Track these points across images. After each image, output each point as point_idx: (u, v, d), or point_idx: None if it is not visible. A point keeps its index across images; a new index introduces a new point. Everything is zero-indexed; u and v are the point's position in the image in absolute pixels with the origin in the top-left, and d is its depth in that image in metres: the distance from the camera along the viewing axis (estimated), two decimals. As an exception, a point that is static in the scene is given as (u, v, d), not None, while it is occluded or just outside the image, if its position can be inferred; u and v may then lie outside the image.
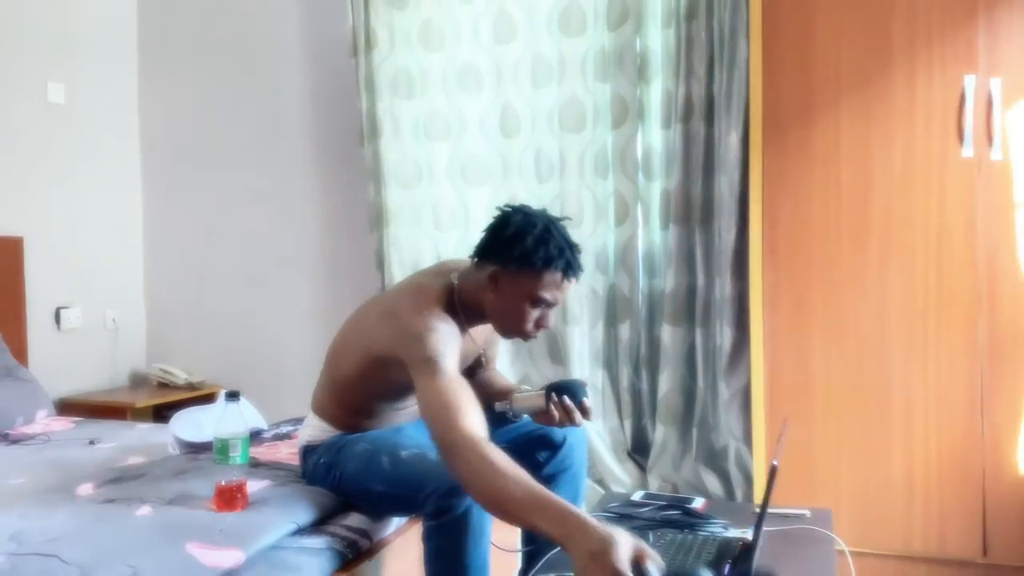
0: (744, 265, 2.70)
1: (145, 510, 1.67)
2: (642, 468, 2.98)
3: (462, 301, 1.71)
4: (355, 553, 1.67)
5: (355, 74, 3.21)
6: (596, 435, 2.99)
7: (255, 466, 1.99)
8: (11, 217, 3.10)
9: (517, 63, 3.04)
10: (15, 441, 2.52)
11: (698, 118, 2.83)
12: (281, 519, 1.63)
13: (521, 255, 1.61)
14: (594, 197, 3.00)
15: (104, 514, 1.65)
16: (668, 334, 2.89)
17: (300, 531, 1.65)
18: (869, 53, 2.38)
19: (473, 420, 1.43)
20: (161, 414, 3.31)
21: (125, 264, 3.63)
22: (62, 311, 3.32)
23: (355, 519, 1.74)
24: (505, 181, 3.09)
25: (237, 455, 1.67)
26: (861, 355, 2.40)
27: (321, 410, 1.86)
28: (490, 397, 1.85)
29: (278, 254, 3.50)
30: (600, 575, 1.15)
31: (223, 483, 1.68)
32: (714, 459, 2.86)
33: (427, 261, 3.11)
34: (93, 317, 3.46)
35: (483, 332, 1.88)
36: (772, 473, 1.35)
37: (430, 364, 1.51)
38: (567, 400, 1.74)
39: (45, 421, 2.80)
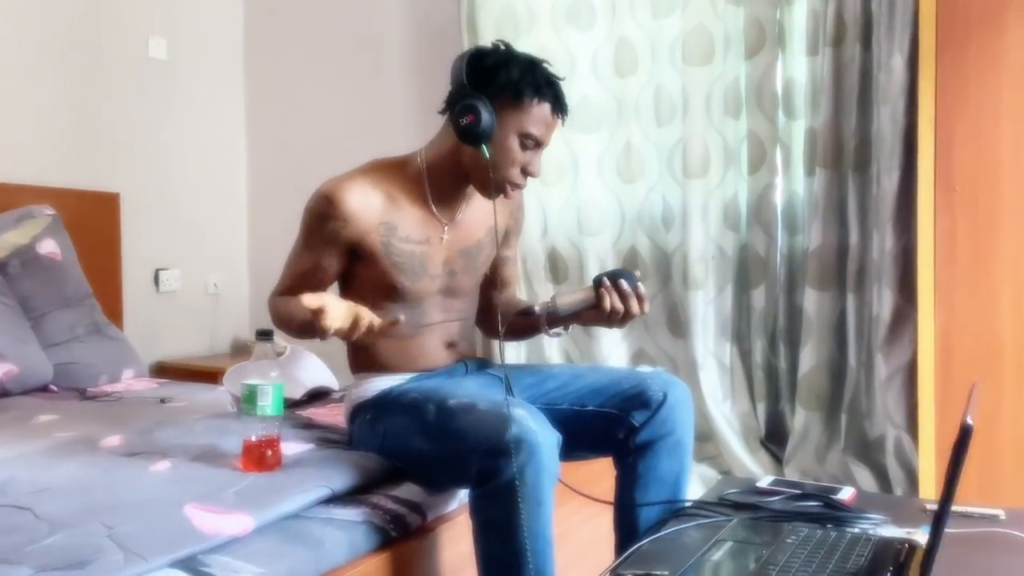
0: (909, 216, 2.21)
1: (163, 465, 1.43)
2: (778, 459, 2.52)
3: (433, 171, 1.54)
4: (402, 531, 1.37)
5: (457, 14, 2.92)
6: (723, 419, 2.56)
7: (307, 427, 1.72)
8: (109, 174, 3.01)
9: (636, -10, 2.66)
10: (89, 398, 2.39)
11: (852, 41, 2.35)
12: (312, 483, 1.34)
13: (507, 83, 1.44)
14: (723, 140, 2.57)
15: (116, 466, 1.43)
16: (812, 301, 2.42)
17: (334, 499, 1.35)
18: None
19: (278, 299, 1.54)
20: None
21: (228, 227, 3.51)
22: (161, 272, 3.22)
23: (407, 490, 1.44)
24: (619, 125, 2.71)
25: (267, 405, 1.40)
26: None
27: (351, 360, 1.63)
28: (520, 314, 1.63)
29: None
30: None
31: (252, 438, 1.42)
32: (867, 451, 2.37)
33: (531, 218, 2.78)
34: (194, 280, 3.35)
35: (504, 207, 1.65)
36: (964, 435, 0.93)
37: (300, 238, 1.53)
38: (623, 284, 1.47)
39: (129, 380, 2.67)
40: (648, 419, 1.49)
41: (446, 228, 1.56)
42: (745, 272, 2.58)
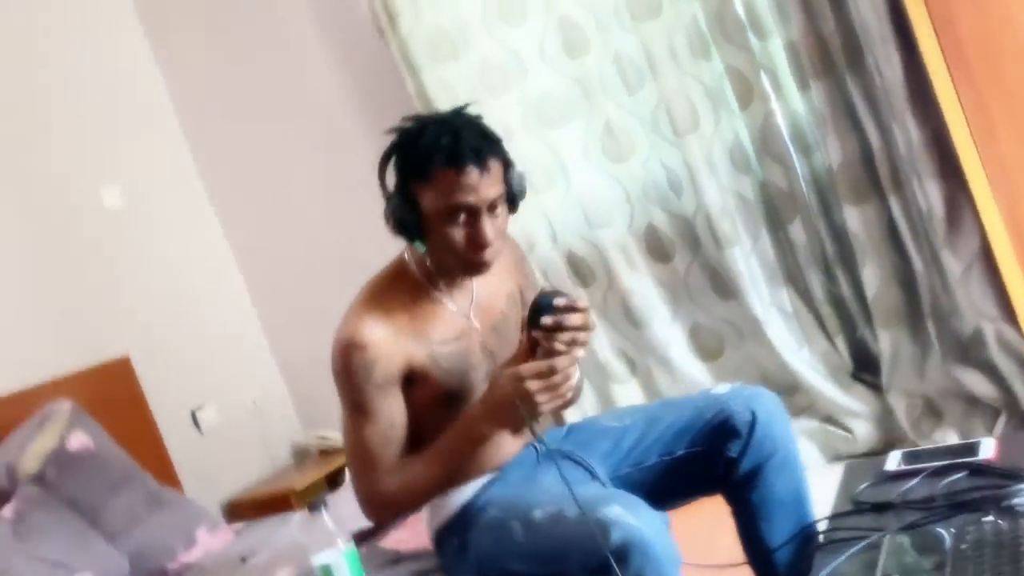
0: (926, 100, 2.02)
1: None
2: (877, 389, 2.35)
3: (424, 270, 1.40)
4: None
5: (389, 54, 2.75)
6: (805, 366, 2.40)
7: (395, 561, 1.60)
8: (112, 339, 2.91)
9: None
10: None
11: (802, -66, 2.15)
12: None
13: (403, 164, 1.32)
14: (703, 85, 2.39)
15: None
16: (855, 217, 2.24)
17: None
18: None
19: (392, 477, 1.35)
20: (336, 481, 3.06)
21: (247, 343, 3.40)
22: (198, 413, 3.12)
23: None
24: (591, 108, 2.53)
25: (348, 580, 1.27)
26: None
27: None
28: None
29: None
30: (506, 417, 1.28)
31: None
32: (967, 351, 2.20)
33: (536, 228, 2.63)
34: (232, 407, 3.24)
35: (505, 268, 1.48)
36: None
37: (354, 407, 1.34)
38: (544, 320, 1.23)
39: (205, 539, 2.57)
40: (744, 447, 1.34)
41: (470, 313, 1.42)
42: (774, 211, 2.41)
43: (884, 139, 2.17)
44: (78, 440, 2.53)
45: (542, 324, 1.23)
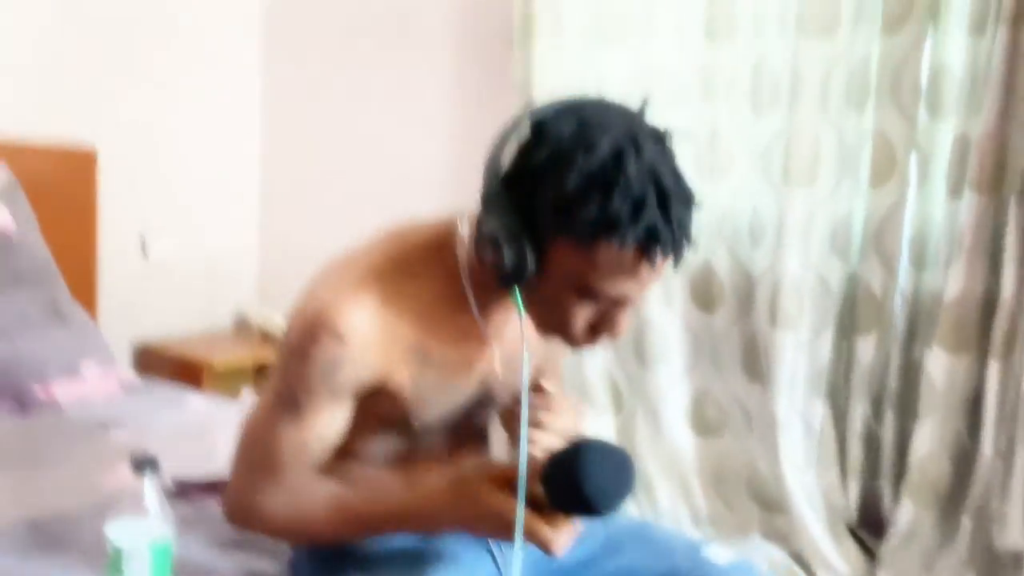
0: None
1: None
2: (870, 553, 2.00)
3: (475, 264, 0.96)
4: None
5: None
6: (802, 492, 2.04)
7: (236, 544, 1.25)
8: (84, 124, 2.54)
9: (739, -68, 2.03)
10: (26, 408, 1.99)
11: (1037, 19, 1.71)
12: None
13: (559, 206, 0.85)
14: (840, 138, 1.97)
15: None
16: (940, 363, 1.85)
17: None
18: None
19: (284, 499, 0.98)
20: (264, 375, 2.74)
21: (236, 183, 3.04)
22: (148, 237, 2.77)
23: None
24: (705, 106, 2.12)
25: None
26: None
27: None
28: None
29: (410, 183, 2.76)
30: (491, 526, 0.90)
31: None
32: (995, 567, 1.82)
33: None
34: (190, 246, 2.90)
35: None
36: None
37: (287, 398, 0.96)
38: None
39: (90, 375, 2.23)
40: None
41: (496, 353, 1.04)
42: (852, 313, 2.01)
43: (1020, 292, 1.76)
44: (-1, 217, 2.19)
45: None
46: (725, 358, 2.17)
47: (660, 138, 0.91)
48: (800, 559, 2.03)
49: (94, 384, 2.19)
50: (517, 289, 0.91)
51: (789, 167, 2.01)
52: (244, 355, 2.74)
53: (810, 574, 2.00)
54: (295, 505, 0.99)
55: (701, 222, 2.19)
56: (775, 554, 2.04)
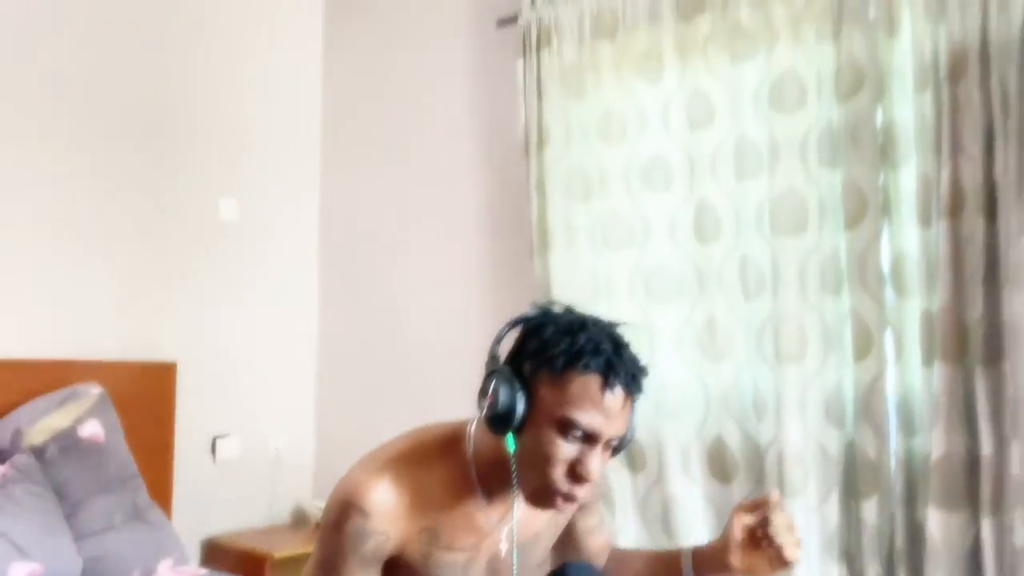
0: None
1: None
2: None
3: (482, 459, 1.21)
4: None
5: (526, 174, 2.73)
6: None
7: None
8: (165, 341, 2.92)
9: (716, 151, 2.38)
10: (111, 605, 2.20)
11: (973, 212, 1.98)
12: None
13: (535, 350, 1.15)
14: (822, 320, 2.22)
15: None
16: (937, 523, 1.99)
17: None
18: None
19: None
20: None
21: (294, 389, 3.36)
22: (219, 441, 3.07)
23: None
24: (701, 297, 2.40)
25: None
26: None
27: None
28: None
29: (460, 383, 3.04)
30: None
31: None
32: None
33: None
34: (254, 447, 3.19)
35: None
36: None
37: (326, 566, 1.17)
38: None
39: (168, 574, 2.47)
40: None
41: (502, 534, 1.25)
42: (853, 479, 2.17)
43: (998, 452, 1.93)
44: (91, 428, 2.51)
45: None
46: (744, 526, 2.31)
47: (615, 325, 1.22)
48: None
49: (168, 579, 2.41)
50: (511, 435, 1.14)
51: (780, 347, 2.25)
52: (302, 546, 2.93)
53: None
54: None
55: (712, 398, 2.40)
56: None
